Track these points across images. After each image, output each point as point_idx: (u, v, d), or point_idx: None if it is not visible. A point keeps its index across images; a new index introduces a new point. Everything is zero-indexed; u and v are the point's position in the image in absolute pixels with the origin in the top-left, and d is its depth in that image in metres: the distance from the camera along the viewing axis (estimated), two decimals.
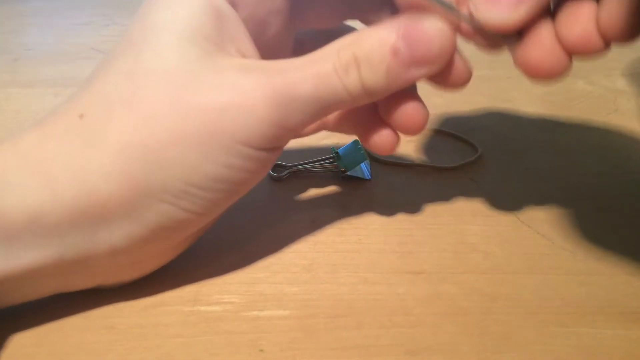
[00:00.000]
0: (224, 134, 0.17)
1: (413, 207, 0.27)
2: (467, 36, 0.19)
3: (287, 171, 0.29)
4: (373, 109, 0.22)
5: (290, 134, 0.19)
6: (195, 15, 0.18)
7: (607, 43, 0.17)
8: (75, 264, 0.18)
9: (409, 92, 0.20)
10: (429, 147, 0.32)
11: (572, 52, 0.17)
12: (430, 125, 0.34)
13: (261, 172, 0.20)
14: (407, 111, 0.20)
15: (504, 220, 0.26)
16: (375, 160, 0.31)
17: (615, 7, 0.16)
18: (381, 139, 0.22)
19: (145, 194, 0.17)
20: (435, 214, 0.26)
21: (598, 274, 0.23)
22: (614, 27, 0.16)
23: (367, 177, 0.29)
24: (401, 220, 0.26)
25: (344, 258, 0.24)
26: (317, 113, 0.18)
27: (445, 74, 0.19)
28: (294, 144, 0.32)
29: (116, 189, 0.17)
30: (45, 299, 0.21)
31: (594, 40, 0.17)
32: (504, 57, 0.49)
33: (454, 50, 0.19)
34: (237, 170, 0.18)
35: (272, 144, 0.19)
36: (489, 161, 0.31)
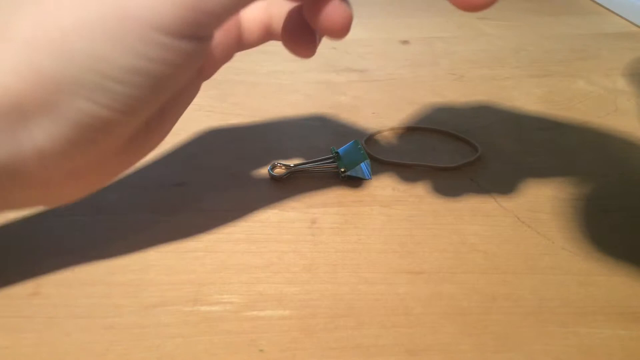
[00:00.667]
0: (133, 19, 0.16)
1: (413, 207, 0.27)
2: None
3: (287, 171, 0.29)
4: (299, 13, 0.21)
5: (213, 20, 0.17)
6: None
7: None
8: (3, 170, 0.17)
9: None
10: (429, 147, 0.32)
11: None
12: (431, 125, 0.34)
13: (186, 67, 0.18)
14: (329, 12, 0.19)
15: (504, 220, 0.26)
16: (375, 160, 0.31)
17: None
18: (304, 42, 0.21)
19: (57, 89, 0.16)
20: (435, 214, 0.26)
21: (598, 274, 0.23)
22: None
23: (367, 177, 0.29)
24: (401, 220, 0.26)
25: (344, 258, 0.24)
26: None
27: None
28: (293, 143, 0.32)
29: (27, 84, 0.16)
30: (45, 300, 0.21)
31: None
32: (504, 57, 0.49)
33: None
34: (155, 61, 0.17)
35: (192, 31, 0.17)
36: (489, 161, 0.31)
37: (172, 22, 0.16)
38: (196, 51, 0.18)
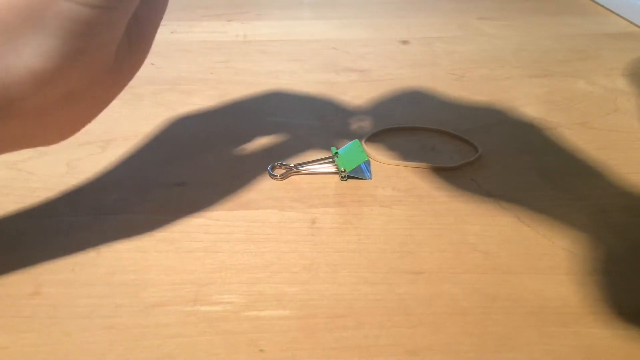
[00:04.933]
0: None
1: (413, 207, 0.27)
2: None
3: (287, 171, 0.29)
4: None
5: None
6: None
7: None
8: None
9: None
10: (429, 147, 0.32)
11: None
12: (431, 125, 0.34)
13: None
14: None
15: (504, 220, 0.26)
16: (375, 160, 0.31)
17: None
18: None
19: None
20: (435, 214, 0.26)
21: (598, 274, 0.23)
22: None
23: (367, 177, 0.29)
24: (401, 220, 0.26)
25: (344, 258, 0.24)
26: None
27: None
28: (293, 143, 0.32)
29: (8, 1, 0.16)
30: (45, 300, 0.21)
31: None
32: (504, 57, 0.49)
33: None
34: None
35: None
36: (489, 161, 0.31)
37: None
38: None
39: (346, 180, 0.29)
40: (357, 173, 0.29)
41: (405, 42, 0.49)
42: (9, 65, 0.16)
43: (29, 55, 0.16)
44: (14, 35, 0.16)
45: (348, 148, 0.30)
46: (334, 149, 0.30)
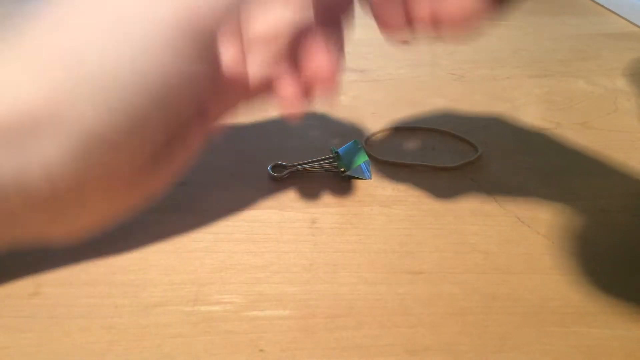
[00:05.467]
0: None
1: (413, 207, 0.27)
2: None
3: (287, 171, 0.29)
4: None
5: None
6: None
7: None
8: (14, 183, 0.18)
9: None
10: (429, 147, 0.32)
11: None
12: (431, 125, 0.34)
13: (189, 86, 0.19)
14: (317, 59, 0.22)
15: (504, 220, 0.26)
16: (375, 160, 0.31)
17: None
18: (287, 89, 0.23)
19: (68, 105, 0.17)
20: (435, 214, 0.26)
21: (598, 274, 0.23)
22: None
23: (367, 177, 0.29)
24: (401, 220, 0.26)
25: (344, 258, 0.24)
26: None
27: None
28: (293, 143, 0.32)
29: (40, 100, 0.17)
30: (45, 300, 0.21)
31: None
32: (504, 57, 0.49)
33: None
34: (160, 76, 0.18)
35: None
36: (489, 161, 0.31)
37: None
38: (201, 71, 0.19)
39: (346, 180, 0.29)
40: (357, 173, 0.29)
41: (405, 42, 0.49)
42: (29, 159, 0.17)
43: (48, 151, 0.17)
44: (39, 132, 0.17)
45: (348, 148, 0.30)
46: (334, 149, 0.30)
